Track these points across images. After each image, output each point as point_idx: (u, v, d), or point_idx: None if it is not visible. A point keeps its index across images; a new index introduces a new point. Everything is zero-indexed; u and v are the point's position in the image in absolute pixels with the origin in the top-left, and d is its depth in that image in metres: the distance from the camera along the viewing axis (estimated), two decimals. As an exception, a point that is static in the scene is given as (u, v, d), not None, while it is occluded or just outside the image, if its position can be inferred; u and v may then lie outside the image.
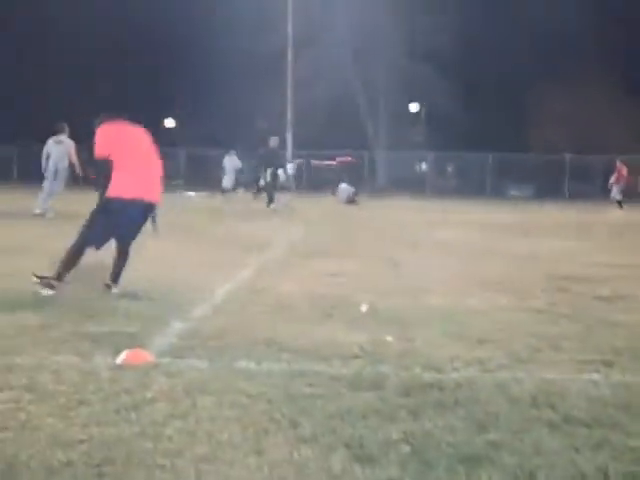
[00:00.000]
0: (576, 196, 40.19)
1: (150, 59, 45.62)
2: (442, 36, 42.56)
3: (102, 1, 43.34)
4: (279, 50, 39.95)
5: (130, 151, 6.85)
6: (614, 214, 25.25)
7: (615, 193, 28.80)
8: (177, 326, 5.53)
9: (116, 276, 6.76)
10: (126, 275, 6.83)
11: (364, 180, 42.40)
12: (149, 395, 3.89)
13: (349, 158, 43.57)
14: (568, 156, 44.22)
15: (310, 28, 41.90)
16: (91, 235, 6.65)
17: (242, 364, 4.54)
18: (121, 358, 4.49)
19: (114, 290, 6.68)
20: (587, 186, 44.55)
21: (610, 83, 43.40)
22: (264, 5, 40.60)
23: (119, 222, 6.70)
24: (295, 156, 39.36)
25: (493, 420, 3.67)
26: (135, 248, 6.95)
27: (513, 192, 46.10)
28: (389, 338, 5.29)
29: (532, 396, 4.04)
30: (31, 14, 43.50)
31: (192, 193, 30.94)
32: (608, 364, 4.74)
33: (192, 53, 44.94)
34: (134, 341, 4.92)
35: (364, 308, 6.42)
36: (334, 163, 43.17)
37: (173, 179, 35.16)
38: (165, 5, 42.61)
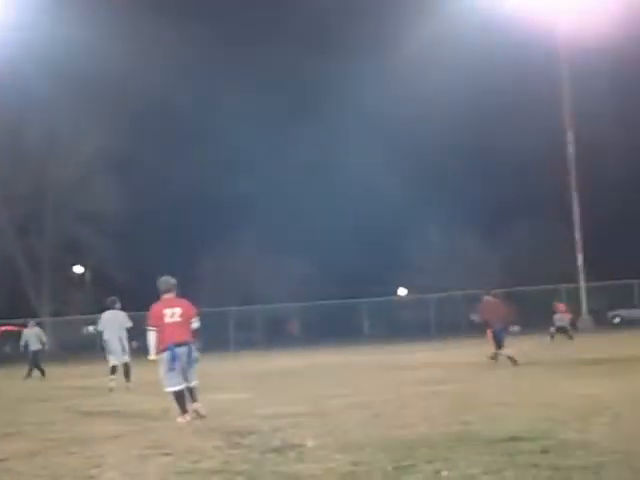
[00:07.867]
0: (241, 346, 41.64)
1: None
2: (104, 200, 43.08)
3: None
4: None
5: None
6: (282, 361, 26.30)
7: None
8: None
9: None
10: None
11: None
12: None
13: (10, 327, 41.46)
14: (233, 309, 45.99)
15: None
16: None
17: None
18: None
19: None
20: (251, 334, 46.58)
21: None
22: None
23: None
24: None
25: None
26: None
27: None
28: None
29: None
30: None
31: None
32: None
33: None
34: None
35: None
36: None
37: None
38: None
